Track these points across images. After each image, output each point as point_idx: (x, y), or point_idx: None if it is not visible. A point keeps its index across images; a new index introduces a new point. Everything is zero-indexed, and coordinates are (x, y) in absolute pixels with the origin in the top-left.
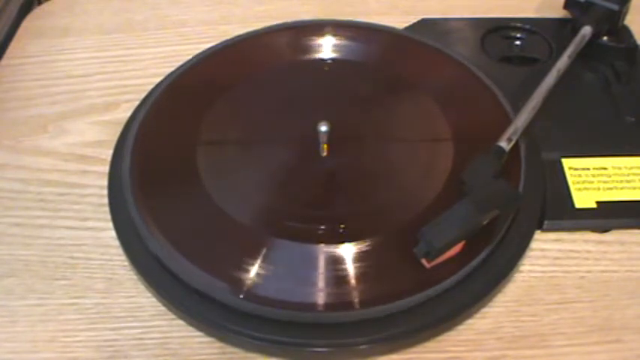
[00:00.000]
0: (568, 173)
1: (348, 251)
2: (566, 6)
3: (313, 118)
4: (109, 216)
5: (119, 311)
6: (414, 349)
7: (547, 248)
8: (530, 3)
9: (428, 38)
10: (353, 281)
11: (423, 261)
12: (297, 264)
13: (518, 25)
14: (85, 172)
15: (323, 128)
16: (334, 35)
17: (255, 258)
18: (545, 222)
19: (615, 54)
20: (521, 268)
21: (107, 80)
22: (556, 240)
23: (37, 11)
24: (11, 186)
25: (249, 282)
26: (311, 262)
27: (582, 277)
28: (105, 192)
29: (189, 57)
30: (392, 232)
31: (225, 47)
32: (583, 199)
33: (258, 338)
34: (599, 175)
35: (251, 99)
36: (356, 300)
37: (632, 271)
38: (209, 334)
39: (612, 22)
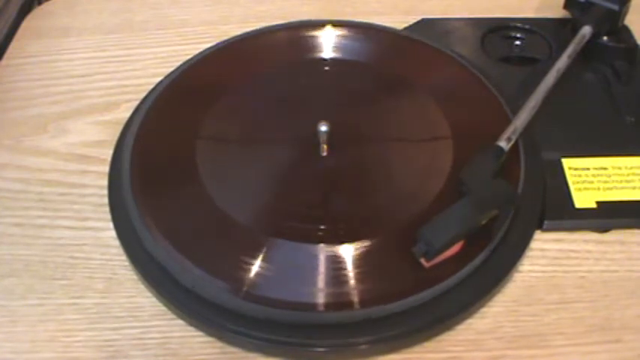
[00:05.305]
0: (568, 173)
1: (347, 251)
2: (566, 6)
3: (313, 118)
4: (109, 216)
5: (119, 311)
6: (414, 349)
7: (547, 248)
8: (530, 3)
9: (428, 38)
10: (352, 281)
11: (422, 261)
12: (297, 264)
13: (518, 25)
14: (85, 172)
15: (323, 128)
16: (334, 35)
17: (255, 258)
18: (545, 222)
19: (615, 54)
20: (521, 268)
21: (107, 80)
22: (556, 240)
23: (37, 11)
24: (11, 186)
25: (249, 282)
26: (311, 262)
27: (582, 277)
28: (105, 192)
29: (189, 57)
30: (391, 232)
31: (225, 47)
32: (583, 199)
33: (258, 338)
34: (599, 175)
35: (251, 99)
36: (356, 300)
37: (632, 271)
38: (209, 334)
39: (612, 22)
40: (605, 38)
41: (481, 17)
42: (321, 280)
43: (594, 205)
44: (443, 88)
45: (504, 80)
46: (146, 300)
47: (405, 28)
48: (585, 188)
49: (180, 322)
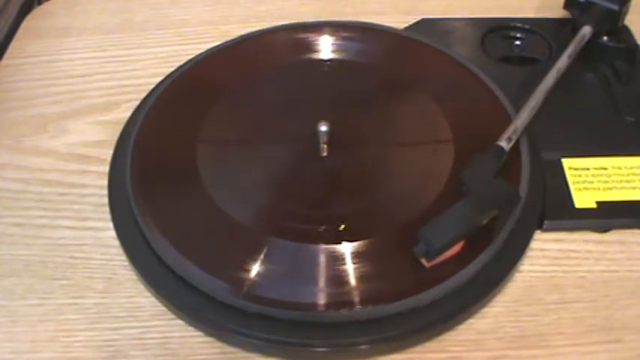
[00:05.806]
0: (568, 173)
1: (348, 251)
2: (566, 6)
3: (313, 118)
4: (109, 216)
5: (119, 311)
6: (415, 349)
7: (547, 248)
8: (530, 3)
9: (428, 38)
10: (353, 281)
11: (423, 261)
12: (297, 264)
13: (518, 25)
14: (85, 172)
15: (323, 128)
16: (334, 35)
17: (255, 258)
18: (545, 222)
19: (615, 54)
20: (521, 268)
21: (107, 80)
22: (556, 240)
23: (37, 11)
24: (11, 186)
25: (249, 282)
26: (311, 261)
27: (582, 277)
28: (105, 192)
29: (190, 57)
30: (392, 232)
31: (225, 47)
32: (583, 199)
33: (258, 338)
34: (599, 175)
35: (251, 99)
36: (356, 300)
37: (632, 271)
38: (209, 334)
39: (612, 22)
40: (605, 38)
41: (481, 17)
42: (321, 280)
43: (594, 205)
44: (443, 88)
45: (504, 80)
46: (146, 300)
47: (405, 28)
48: (585, 188)
49: (180, 322)
